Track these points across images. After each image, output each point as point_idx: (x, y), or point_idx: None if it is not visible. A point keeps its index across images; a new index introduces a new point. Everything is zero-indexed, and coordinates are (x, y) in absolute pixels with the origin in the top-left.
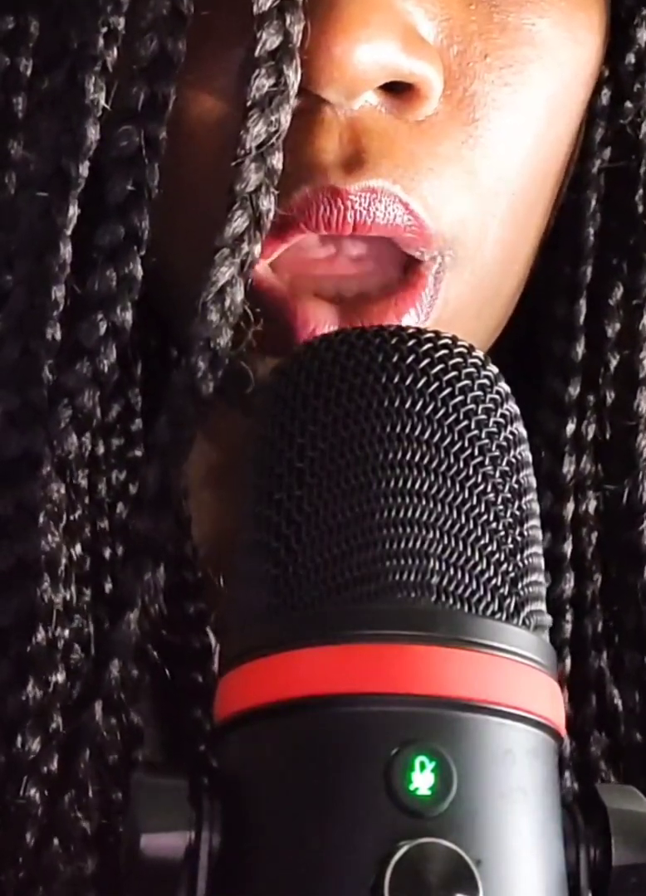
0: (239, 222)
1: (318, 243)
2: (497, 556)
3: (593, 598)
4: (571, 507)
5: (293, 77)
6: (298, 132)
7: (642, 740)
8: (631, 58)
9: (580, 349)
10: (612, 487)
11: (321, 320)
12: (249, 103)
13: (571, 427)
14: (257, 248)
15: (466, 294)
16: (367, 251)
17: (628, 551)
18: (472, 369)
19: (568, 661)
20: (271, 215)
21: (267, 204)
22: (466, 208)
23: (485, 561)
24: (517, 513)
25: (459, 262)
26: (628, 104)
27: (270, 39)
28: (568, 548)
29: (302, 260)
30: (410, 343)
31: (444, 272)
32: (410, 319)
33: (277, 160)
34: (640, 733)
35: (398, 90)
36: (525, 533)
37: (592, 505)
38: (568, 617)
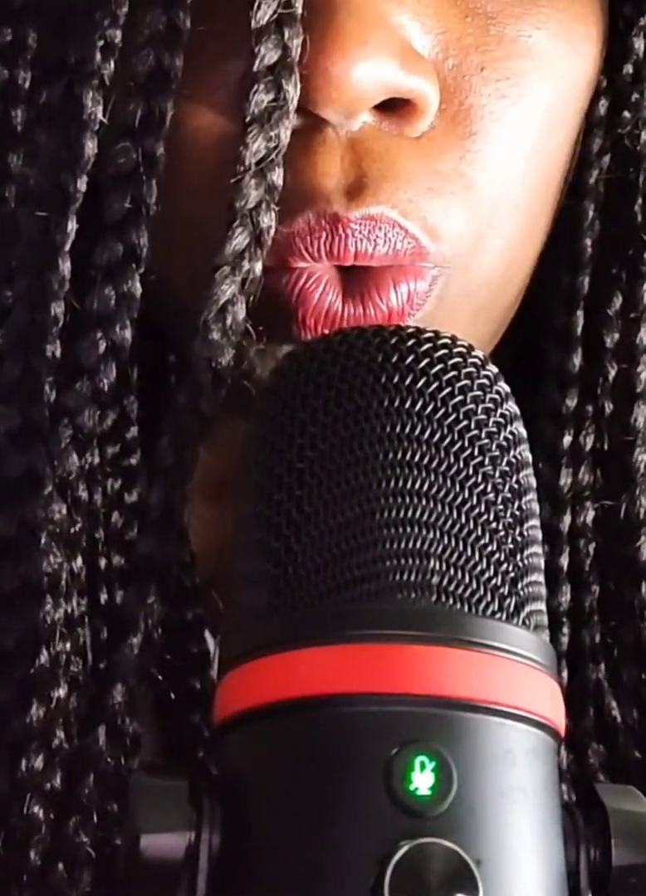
0: (239, 239)
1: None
2: (497, 555)
3: (591, 611)
4: (568, 518)
5: (293, 92)
6: (300, 152)
7: (641, 755)
8: (629, 68)
9: (578, 360)
10: (609, 502)
11: (322, 275)
12: (247, 119)
13: (568, 438)
14: (258, 266)
15: (460, 297)
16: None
17: (626, 566)
18: (471, 369)
19: (565, 673)
20: (272, 232)
21: (267, 220)
22: (464, 224)
23: (485, 561)
24: (517, 513)
25: (456, 272)
26: (626, 114)
27: (268, 54)
28: (565, 559)
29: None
30: (410, 343)
31: (440, 276)
32: (404, 287)
33: (277, 176)
34: (638, 748)
35: (395, 107)
36: (525, 533)
37: (589, 516)
38: (565, 629)
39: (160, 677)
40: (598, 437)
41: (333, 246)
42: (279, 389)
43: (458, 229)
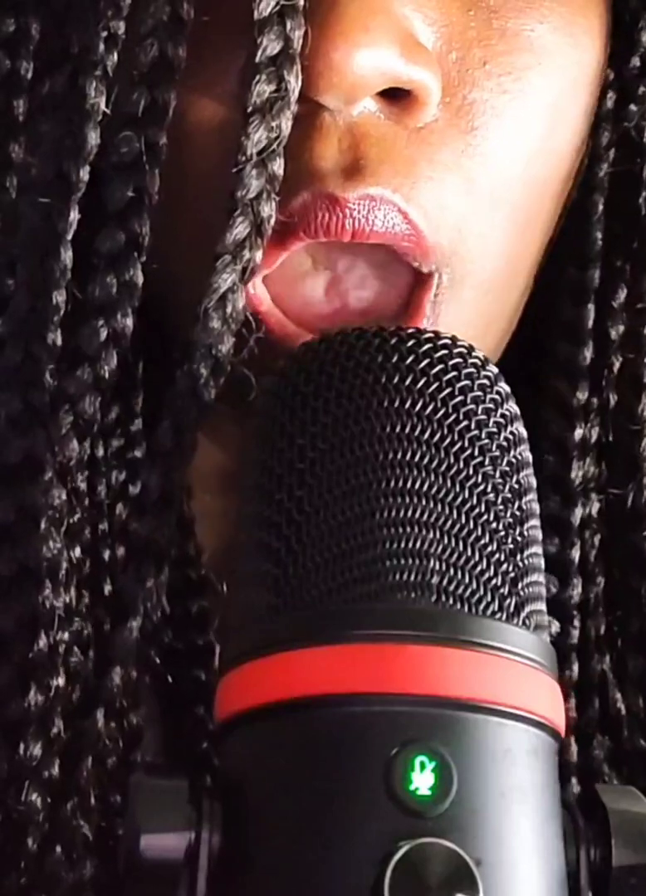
0: (240, 229)
1: (322, 298)
2: (497, 556)
3: (597, 602)
4: (578, 511)
5: (294, 83)
6: (297, 138)
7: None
8: (635, 61)
9: (588, 353)
10: (616, 491)
11: None
12: (249, 109)
13: (578, 431)
14: (259, 255)
15: (468, 313)
16: (365, 283)
17: (632, 555)
18: (472, 369)
19: (576, 667)
20: (272, 221)
21: (268, 210)
22: (465, 218)
23: (485, 561)
24: (517, 513)
25: (457, 280)
26: (633, 107)
27: (270, 45)
28: (576, 552)
29: (308, 310)
30: (410, 343)
31: (443, 294)
32: None
33: (278, 166)
34: (643, 738)
35: (397, 96)
36: (525, 533)
37: (595, 508)
38: (576, 621)
39: (164, 669)
40: (604, 429)
41: (330, 224)
42: (280, 389)
43: (458, 222)
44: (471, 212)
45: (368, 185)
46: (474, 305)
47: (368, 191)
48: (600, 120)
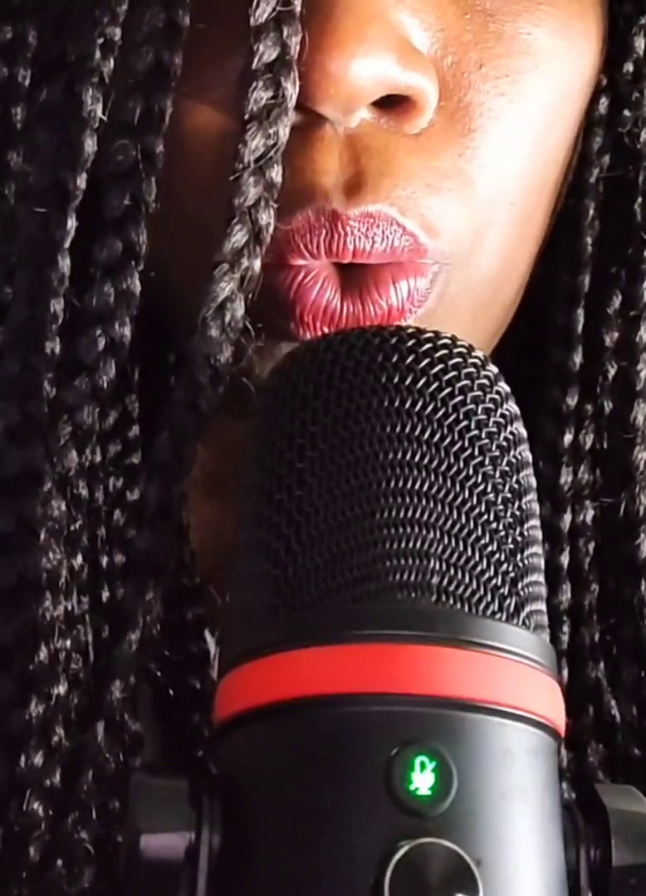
0: (238, 237)
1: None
2: (497, 556)
3: (591, 609)
4: (568, 517)
5: (291, 89)
6: (298, 149)
7: (640, 752)
8: (629, 66)
9: (578, 358)
10: (608, 500)
11: (319, 273)
12: (246, 116)
13: (569, 436)
14: (257, 263)
15: (460, 295)
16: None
17: (625, 563)
18: (472, 369)
19: (565, 672)
20: (271, 229)
21: (266, 218)
22: (463, 222)
23: (485, 561)
24: (517, 513)
25: (455, 269)
26: (626, 112)
27: (267, 52)
28: (565, 558)
29: None
30: (410, 343)
31: (440, 273)
32: (404, 285)
33: (276, 174)
34: (637, 746)
35: (394, 103)
36: (525, 533)
37: (589, 515)
38: (565, 627)
39: (160, 676)
40: (598, 436)
41: (331, 243)
42: (279, 389)
43: (456, 226)
44: (469, 214)
45: (368, 203)
46: (468, 290)
47: (368, 208)
48: (592, 124)
